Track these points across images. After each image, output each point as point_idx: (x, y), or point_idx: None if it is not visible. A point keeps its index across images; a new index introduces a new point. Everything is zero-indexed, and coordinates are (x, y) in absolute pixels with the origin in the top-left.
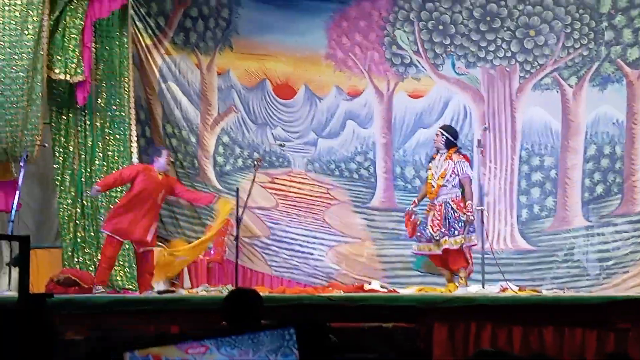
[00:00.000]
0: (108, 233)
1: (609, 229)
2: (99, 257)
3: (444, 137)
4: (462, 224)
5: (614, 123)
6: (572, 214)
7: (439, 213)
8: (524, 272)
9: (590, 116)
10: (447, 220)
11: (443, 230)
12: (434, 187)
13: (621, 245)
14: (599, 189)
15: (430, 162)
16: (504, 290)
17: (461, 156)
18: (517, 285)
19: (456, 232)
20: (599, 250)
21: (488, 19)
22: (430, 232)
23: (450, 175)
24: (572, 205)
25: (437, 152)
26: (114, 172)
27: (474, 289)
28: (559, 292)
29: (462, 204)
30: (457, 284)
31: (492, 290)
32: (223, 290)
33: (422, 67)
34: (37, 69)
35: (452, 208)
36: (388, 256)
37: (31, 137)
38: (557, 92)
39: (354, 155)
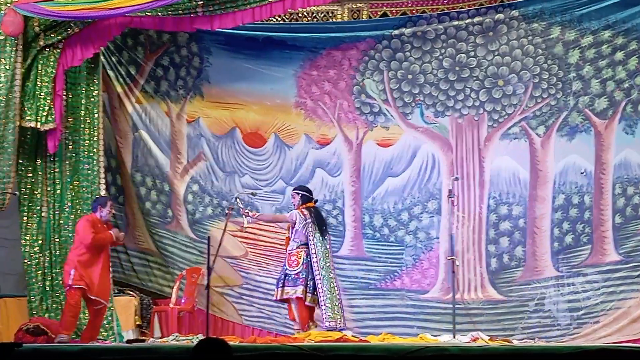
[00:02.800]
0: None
1: (579, 279)
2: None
3: (299, 195)
4: (285, 276)
5: (582, 173)
6: (542, 264)
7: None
8: (495, 322)
9: (559, 165)
10: (282, 272)
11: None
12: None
13: (591, 295)
14: (568, 239)
15: None
16: (475, 340)
17: (303, 208)
18: (488, 335)
19: (280, 284)
20: (570, 301)
21: (457, 68)
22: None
23: (294, 229)
24: (541, 255)
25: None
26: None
27: (445, 339)
28: (530, 342)
29: (294, 257)
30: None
31: (463, 340)
32: (193, 339)
33: (391, 115)
34: (9, 117)
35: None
36: (359, 306)
37: (2, 186)
38: (525, 141)
39: (322, 204)
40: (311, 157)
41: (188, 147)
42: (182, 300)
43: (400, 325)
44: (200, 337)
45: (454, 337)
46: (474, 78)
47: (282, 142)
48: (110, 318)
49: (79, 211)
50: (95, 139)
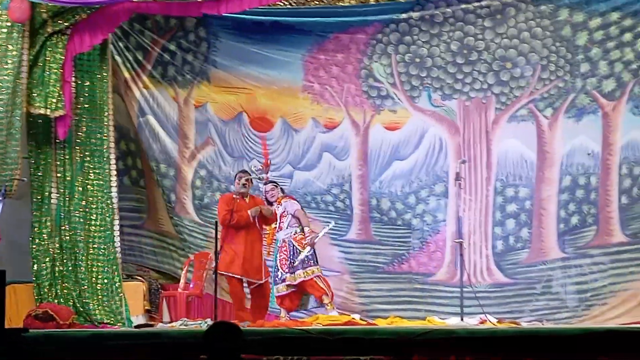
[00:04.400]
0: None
1: (586, 261)
2: (77, 292)
3: (279, 187)
4: (303, 258)
5: (589, 154)
6: (548, 246)
7: (285, 253)
8: (503, 304)
9: (566, 147)
10: (292, 258)
11: (291, 267)
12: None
13: (599, 277)
14: (574, 220)
15: None
16: (482, 322)
17: (287, 197)
18: (496, 318)
19: (300, 266)
20: (577, 282)
21: (465, 51)
22: (281, 273)
23: (284, 217)
24: (547, 237)
25: (270, 204)
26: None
27: (453, 322)
28: (538, 324)
29: (302, 241)
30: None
31: (471, 322)
32: (202, 324)
33: (399, 99)
34: (16, 104)
35: (294, 246)
36: (367, 290)
37: (10, 172)
38: (533, 123)
39: (330, 188)
40: (318, 141)
41: (196, 132)
42: (191, 285)
43: (408, 309)
44: (209, 321)
45: (462, 320)
46: (482, 61)
47: (289, 126)
48: (119, 303)
49: (90, 197)
50: (106, 124)
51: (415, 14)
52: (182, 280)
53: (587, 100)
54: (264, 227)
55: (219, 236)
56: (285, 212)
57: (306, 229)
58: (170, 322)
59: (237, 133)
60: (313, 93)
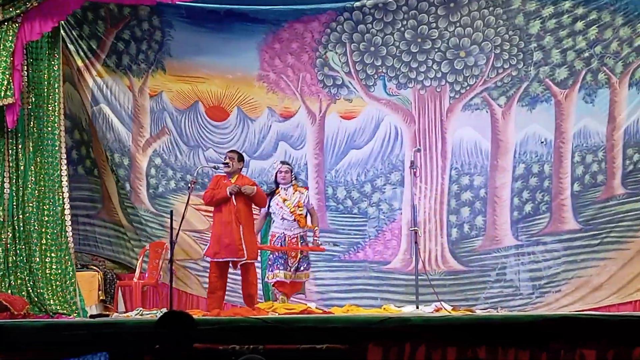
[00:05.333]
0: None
1: (539, 248)
2: (32, 282)
3: (292, 172)
4: (308, 261)
5: (542, 142)
6: (502, 233)
7: (296, 246)
8: (458, 292)
9: (519, 135)
10: (304, 254)
11: (298, 264)
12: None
13: (552, 264)
14: (528, 208)
15: (271, 196)
16: (438, 310)
17: (305, 188)
18: (451, 305)
19: (305, 267)
20: (531, 270)
21: (419, 40)
22: (290, 263)
23: (300, 209)
24: (501, 224)
25: (278, 186)
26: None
27: (408, 309)
28: (493, 311)
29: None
30: None
31: (427, 310)
32: (157, 313)
33: (354, 88)
34: None
35: (306, 243)
36: (323, 278)
37: None
38: (487, 112)
39: None
40: (274, 130)
41: (151, 121)
42: (146, 275)
43: (364, 297)
44: (165, 311)
45: (417, 308)
46: (436, 49)
47: (245, 116)
48: (73, 293)
49: (42, 187)
50: (57, 113)
51: (368, 2)
52: (137, 270)
53: (540, 88)
54: (254, 206)
55: (174, 225)
56: (302, 204)
57: (316, 229)
58: (125, 312)
59: (193, 122)
60: (269, 82)
